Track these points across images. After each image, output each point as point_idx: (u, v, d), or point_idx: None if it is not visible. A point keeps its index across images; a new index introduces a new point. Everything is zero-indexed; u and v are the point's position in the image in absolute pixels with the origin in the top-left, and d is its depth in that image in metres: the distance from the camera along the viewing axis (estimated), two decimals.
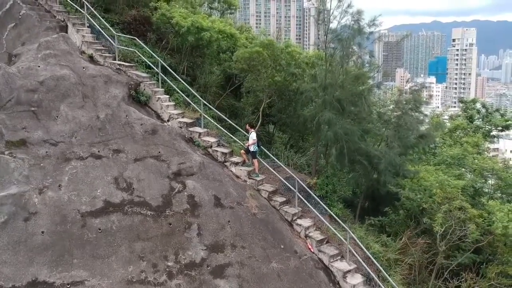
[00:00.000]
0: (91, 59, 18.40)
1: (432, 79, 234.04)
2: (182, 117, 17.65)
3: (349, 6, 16.80)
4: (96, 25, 19.28)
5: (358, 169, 17.14)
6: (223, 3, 25.55)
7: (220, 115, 18.97)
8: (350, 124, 16.21)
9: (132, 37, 19.60)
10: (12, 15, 19.26)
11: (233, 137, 18.26)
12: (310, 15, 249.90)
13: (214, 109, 18.64)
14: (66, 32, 19.36)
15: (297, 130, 21.19)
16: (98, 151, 14.79)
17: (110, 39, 18.98)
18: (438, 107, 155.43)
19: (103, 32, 19.10)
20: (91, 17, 19.61)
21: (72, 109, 15.54)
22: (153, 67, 18.53)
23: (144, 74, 18.19)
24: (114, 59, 18.58)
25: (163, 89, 18.30)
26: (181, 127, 17.14)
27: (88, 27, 19.69)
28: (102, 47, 18.94)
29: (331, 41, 17.53)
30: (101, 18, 19.48)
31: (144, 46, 19.27)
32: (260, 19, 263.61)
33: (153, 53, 19.07)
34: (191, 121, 17.57)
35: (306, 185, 16.67)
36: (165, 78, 18.51)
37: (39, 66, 16.37)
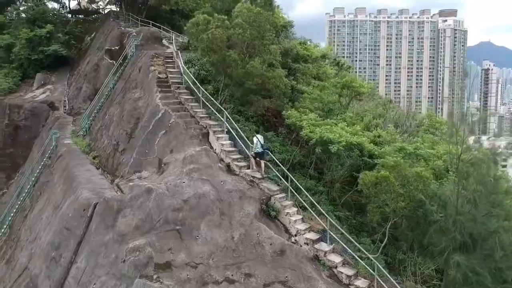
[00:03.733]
0: (228, 168, 20.00)
1: None
2: (309, 231, 18.35)
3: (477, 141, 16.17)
4: (233, 132, 20.92)
5: None
6: (352, 91, 25.99)
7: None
8: (481, 264, 15.51)
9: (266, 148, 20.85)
10: (163, 123, 21.81)
11: (357, 253, 18.31)
12: (446, 36, 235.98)
13: (336, 225, 18.94)
14: (208, 138, 21.35)
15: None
16: (232, 275, 16.09)
17: (245, 149, 20.44)
18: None
19: (239, 141, 20.61)
20: (227, 121, 21.36)
21: (211, 229, 17.13)
22: (284, 180, 19.44)
23: (275, 188, 19.23)
24: (249, 168, 20.03)
25: (291, 202, 19.14)
26: (307, 244, 17.82)
27: (226, 132, 21.46)
28: (238, 155, 20.47)
29: (464, 165, 16.99)
30: (238, 128, 20.95)
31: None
32: (391, 42, 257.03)
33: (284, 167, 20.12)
34: (317, 237, 18.15)
35: None
36: (294, 192, 19.28)
37: (184, 182, 18.33)
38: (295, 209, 19.07)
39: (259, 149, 19.53)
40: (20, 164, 41.64)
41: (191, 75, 24.15)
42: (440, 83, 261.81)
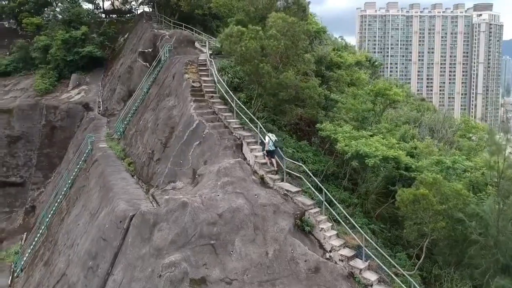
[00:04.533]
0: (262, 180, 19.93)
1: None
2: (344, 247, 18.14)
3: None
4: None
5: None
6: (386, 99, 25.51)
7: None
8: None
9: (299, 164, 20.69)
10: (197, 134, 21.88)
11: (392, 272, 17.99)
12: (480, 31, 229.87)
13: (371, 241, 18.65)
14: (241, 149, 21.34)
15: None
16: None
17: (279, 161, 20.35)
18: None
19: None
20: (260, 131, 21.26)
21: (245, 244, 17.10)
22: (318, 194, 19.21)
23: (309, 202, 19.06)
24: (282, 180, 19.96)
25: (326, 217, 18.94)
26: (342, 260, 17.62)
27: (260, 144, 21.39)
28: (272, 167, 20.38)
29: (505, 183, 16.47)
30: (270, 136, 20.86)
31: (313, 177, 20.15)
32: (423, 37, 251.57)
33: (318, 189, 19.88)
34: (352, 253, 17.92)
35: None
36: (329, 207, 19.08)
37: (218, 196, 18.36)
38: (330, 224, 18.86)
39: (271, 147, 20.10)
40: (56, 164, 42.82)
41: (225, 84, 24.15)
42: (474, 79, 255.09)
